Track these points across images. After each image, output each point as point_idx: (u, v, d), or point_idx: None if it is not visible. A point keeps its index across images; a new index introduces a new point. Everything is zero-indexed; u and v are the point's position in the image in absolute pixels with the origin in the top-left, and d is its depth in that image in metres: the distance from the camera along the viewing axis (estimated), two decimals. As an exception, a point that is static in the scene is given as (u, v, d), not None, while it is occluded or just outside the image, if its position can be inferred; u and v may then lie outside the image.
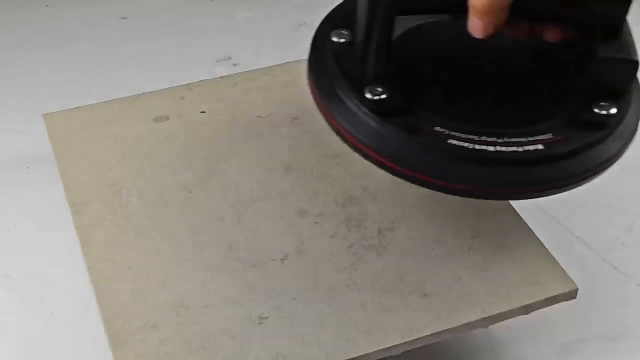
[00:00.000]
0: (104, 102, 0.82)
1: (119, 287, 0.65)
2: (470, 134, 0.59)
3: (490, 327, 0.64)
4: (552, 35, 0.62)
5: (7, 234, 0.80)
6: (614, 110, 0.61)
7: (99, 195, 0.72)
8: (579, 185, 0.61)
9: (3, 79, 0.99)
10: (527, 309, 0.64)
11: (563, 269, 0.66)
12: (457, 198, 0.71)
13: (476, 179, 0.59)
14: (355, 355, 0.60)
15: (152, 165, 0.74)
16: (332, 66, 0.63)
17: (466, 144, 0.59)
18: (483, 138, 0.59)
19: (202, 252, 0.67)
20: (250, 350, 0.60)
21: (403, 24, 0.67)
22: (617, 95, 0.62)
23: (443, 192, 0.59)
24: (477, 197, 0.62)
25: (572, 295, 0.65)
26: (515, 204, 0.73)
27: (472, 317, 0.63)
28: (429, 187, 0.59)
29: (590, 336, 0.73)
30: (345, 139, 0.61)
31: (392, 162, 0.59)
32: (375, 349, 0.61)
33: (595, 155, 0.61)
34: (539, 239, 0.68)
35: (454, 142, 0.59)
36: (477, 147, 0.59)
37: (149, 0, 1.11)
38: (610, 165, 0.62)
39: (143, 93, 0.79)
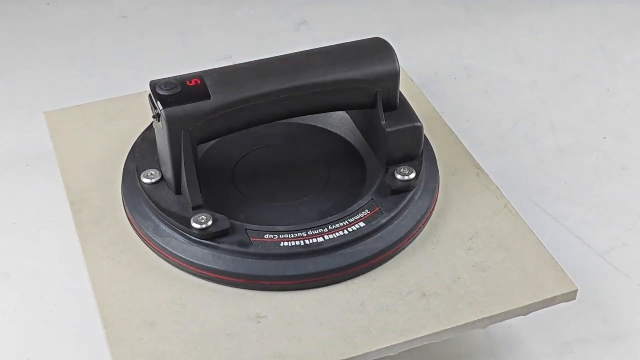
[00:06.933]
0: (104, 100, 0.82)
1: (117, 285, 0.65)
2: (298, 232, 0.65)
3: (490, 326, 0.64)
4: None
5: (7, 232, 0.80)
6: (412, 175, 0.68)
7: (99, 193, 0.72)
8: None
9: (3, 76, 0.99)
10: (526, 310, 0.64)
11: (563, 270, 0.66)
12: (456, 197, 0.71)
13: (320, 268, 0.64)
14: (353, 355, 0.60)
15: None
16: (153, 207, 0.67)
17: (298, 242, 0.64)
18: (310, 232, 0.65)
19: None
20: (247, 349, 0.60)
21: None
22: (413, 158, 0.69)
23: (297, 289, 0.64)
24: (330, 284, 0.65)
25: (571, 296, 0.65)
26: (515, 203, 0.73)
27: (471, 318, 0.62)
28: (277, 290, 0.64)
29: (590, 336, 0.73)
30: (184, 269, 0.65)
31: (235, 277, 0.64)
32: (374, 349, 0.61)
33: (411, 215, 0.67)
34: (538, 239, 0.68)
35: (286, 243, 0.64)
36: (307, 242, 0.64)
37: (149, -1, 1.11)
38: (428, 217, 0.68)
39: (143, 91, 0.79)
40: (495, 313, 0.63)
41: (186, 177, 0.65)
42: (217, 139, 0.72)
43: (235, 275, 0.64)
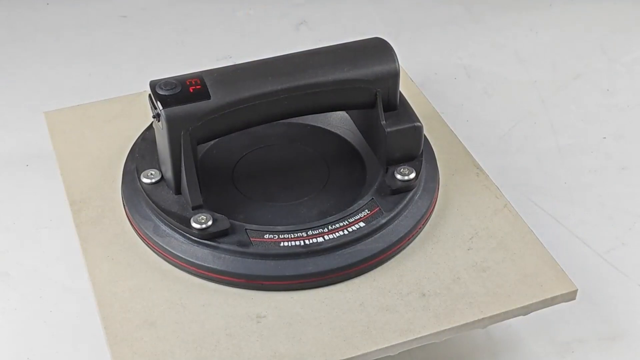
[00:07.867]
0: (104, 100, 0.82)
1: (117, 285, 0.65)
2: (298, 232, 0.65)
3: (490, 326, 0.64)
4: None
5: (7, 232, 0.80)
6: (412, 175, 0.68)
7: (99, 193, 0.72)
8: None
9: (3, 77, 0.99)
10: (525, 310, 0.64)
11: (563, 270, 0.66)
12: (456, 197, 0.71)
13: (320, 268, 0.64)
14: (353, 355, 0.60)
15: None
16: (153, 207, 0.67)
17: (298, 242, 0.64)
18: (310, 232, 0.64)
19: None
20: (247, 349, 0.60)
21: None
22: (413, 158, 0.69)
23: (297, 289, 0.64)
24: (330, 284, 0.65)
25: (571, 296, 0.65)
26: (515, 203, 0.73)
27: (471, 318, 0.62)
28: (277, 290, 0.64)
29: (590, 336, 0.73)
30: (184, 268, 0.65)
31: (235, 277, 0.64)
32: (374, 349, 0.61)
33: (410, 215, 0.67)
34: (538, 239, 0.68)
35: (286, 243, 0.64)
36: (307, 242, 0.64)
37: (149, -1, 1.11)
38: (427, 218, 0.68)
39: (143, 91, 0.79)
40: (495, 313, 0.63)
41: (186, 177, 0.65)
42: (217, 139, 0.72)
43: (235, 275, 0.64)
